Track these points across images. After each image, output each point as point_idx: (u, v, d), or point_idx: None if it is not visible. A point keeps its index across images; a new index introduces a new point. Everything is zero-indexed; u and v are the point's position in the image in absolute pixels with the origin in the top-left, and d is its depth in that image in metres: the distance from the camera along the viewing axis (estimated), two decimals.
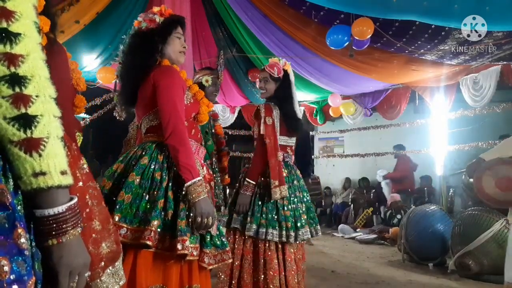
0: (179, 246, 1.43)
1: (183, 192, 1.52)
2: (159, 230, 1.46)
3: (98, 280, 0.88)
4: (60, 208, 0.64)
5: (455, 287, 3.48)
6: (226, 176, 3.19)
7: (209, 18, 5.54)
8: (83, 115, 6.49)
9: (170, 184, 1.54)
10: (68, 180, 0.64)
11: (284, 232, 2.34)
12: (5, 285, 0.54)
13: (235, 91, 6.94)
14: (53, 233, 0.64)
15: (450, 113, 5.61)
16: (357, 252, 5.04)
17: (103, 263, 0.86)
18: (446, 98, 5.55)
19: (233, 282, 2.39)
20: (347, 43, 4.23)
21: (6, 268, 0.54)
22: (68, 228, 0.65)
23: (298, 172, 2.62)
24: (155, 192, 1.50)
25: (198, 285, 1.54)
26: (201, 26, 5.57)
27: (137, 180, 1.50)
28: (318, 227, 2.55)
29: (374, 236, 5.76)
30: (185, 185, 1.49)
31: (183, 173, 1.50)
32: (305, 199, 2.55)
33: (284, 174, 2.48)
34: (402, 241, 4.30)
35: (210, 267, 1.57)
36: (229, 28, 5.57)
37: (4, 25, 0.58)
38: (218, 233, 1.64)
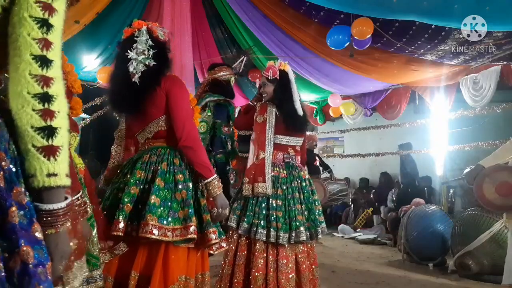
0: (212, 236, 1.62)
1: (200, 188, 1.70)
2: None
3: (70, 271, 1.08)
4: (63, 204, 0.78)
5: (455, 287, 3.48)
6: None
7: (209, 18, 5.55)
8: (83, 115, 6.49)
9: (190, 184, 1.68)
10: (69, 182, 0.78)
11: (273, 233, 2.33)
12: (31, 266, 0.68)
13: (235, 91, 6.93)
14: (53, 224, 0.77)
15: (450, 113, 5.61)
16: (357, 252, 5.04)
17: (73, 257, 0.98)
18: (446, 98, 5.55)
19: (223, 276, 2.41)
20: (347, 43, 4.24)
21: (31, 254, 0.68)
22: (64, 221, 0.78)
23: (303, 173, 2.58)
24: (183, 192, 1.64)
25: (208, 272, 1.73)
26: (201, 26, 5.57)
27: (162, 184, 1.64)
28: (319, 229, 2.49)
29: (374, 236, 5.76)
30: (205, 181, 1.67)
31: (202, 171, 1.66)
32: (307, 201, 2.51)
33: (282, 175, 2.47)
34: (402, 241, 4.30)
35: (213, 253, 1.78)
36: (229, 28, 5.57)
37: (45, 53, 0.73)
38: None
